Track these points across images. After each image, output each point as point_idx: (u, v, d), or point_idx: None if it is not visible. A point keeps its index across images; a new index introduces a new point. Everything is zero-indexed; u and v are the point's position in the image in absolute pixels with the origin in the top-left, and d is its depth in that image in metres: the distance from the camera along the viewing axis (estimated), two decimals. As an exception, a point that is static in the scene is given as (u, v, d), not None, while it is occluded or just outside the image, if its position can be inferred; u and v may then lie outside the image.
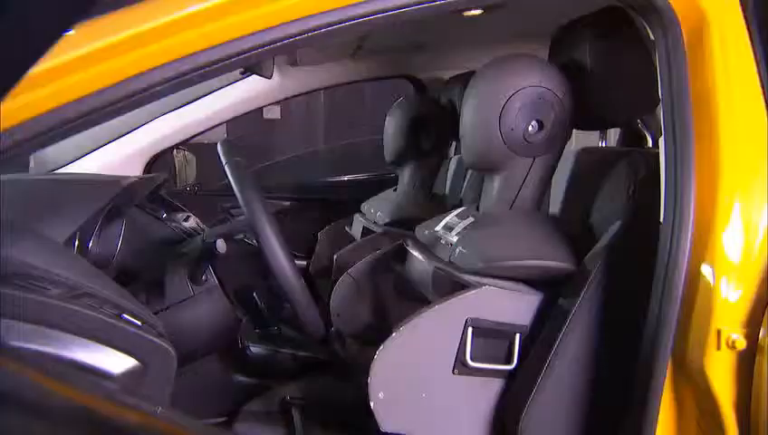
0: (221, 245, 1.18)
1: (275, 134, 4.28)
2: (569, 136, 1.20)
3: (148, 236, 1.36)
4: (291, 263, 1.15)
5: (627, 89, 1.13)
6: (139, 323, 0.84)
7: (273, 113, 4.04)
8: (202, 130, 1.95)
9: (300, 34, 0.83)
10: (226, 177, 1.18)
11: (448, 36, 1.96)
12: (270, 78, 1.30)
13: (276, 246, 1.12)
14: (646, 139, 1.57)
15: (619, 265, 1.01)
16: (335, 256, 1.73)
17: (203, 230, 1.49)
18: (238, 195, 1.13)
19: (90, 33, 0.78)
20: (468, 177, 1.77)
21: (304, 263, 2.09)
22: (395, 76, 2.30)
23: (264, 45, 0.82)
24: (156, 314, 1.09)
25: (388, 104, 2.00)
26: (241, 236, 1.29)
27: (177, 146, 1.93)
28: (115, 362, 0.80)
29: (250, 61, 0.83)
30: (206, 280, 1.23)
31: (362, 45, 1.90)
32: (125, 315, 0.84)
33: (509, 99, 1.14)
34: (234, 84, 1.94)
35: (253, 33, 0.81)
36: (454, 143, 2.13)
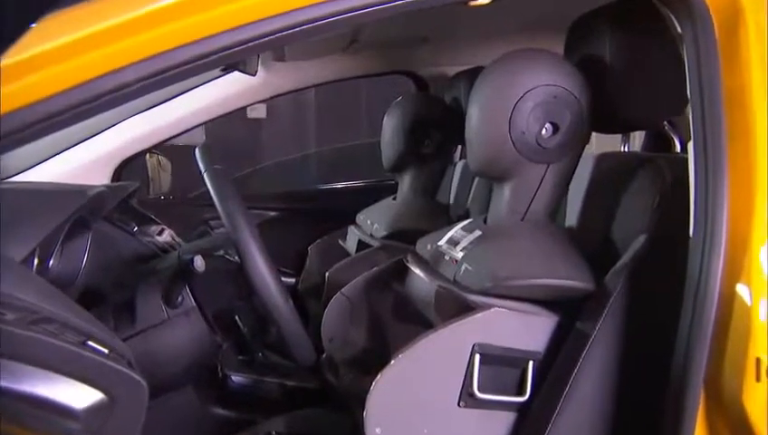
0: (199, 262, 1.17)
1: (261, 136, 4.28)
2: (587, 140, 1.20)
3: (116, 252, 1.36)
4: (277, 281, 1.15)
5: (651, 87, 1.13)
6: (106, 351, 0.84)
7: (259, 112, 4.06)
8: (178, 132, 1.95)
9: (287, 29, 0.83)
10: (205, 186, 1.18)
11: (453, 28, 1.97)
12: (254, 75, 1.31)
13: (261, 263, 1.12)
14: (673, 143, 1.57)
15: (644, 285, 1.01)
16: (327, 274, 1.72)
17: (179, 245, 1.49)
18: (218, 206, 1.13)
19: (54, 29, 0.78)
20: (475, 185, 1.77)
21: (292, 281, 2.09)
22: (393, 72, 2.31)
23: (247, 41, 0.82)
24: (125, 340, 1.09)
25: (387, 103, 2.00)
26: (221, 251, 1.29)
27: (149, 150, 1.93)
28: (79, 396, 0.79)
29: (232, 58, 0.84)
30: (182, 301, 1.23)
31: (357, 38, 1.91)
32: (90, 343, 0.84)
33: (520, 99, 1.14)
34: (213, 81, 1.95)
35: (235, 28, 0.81)
36: (459, 147, 2.14)
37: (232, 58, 0.84)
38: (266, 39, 0.83)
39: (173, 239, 1.54)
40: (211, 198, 1.17)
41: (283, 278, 2.10)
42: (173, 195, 2.14)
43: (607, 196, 1.17)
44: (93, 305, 1.18)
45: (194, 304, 1.24)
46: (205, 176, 1.17)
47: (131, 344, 1.06)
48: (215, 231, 1.99)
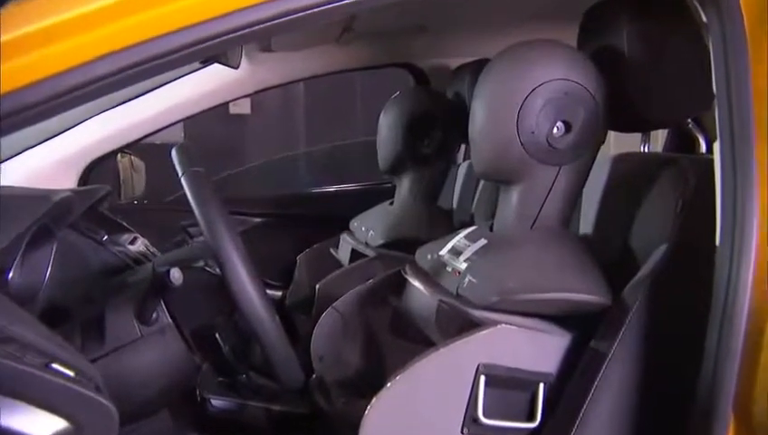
0: (176, 274, 1.17)
1: (245, 133, 4.29)
2: (603, 139, 1.21)
3: (83, 263, 1.36)
4: (262, 295, 1.14)
5: (673, 82, 1.14)
6: (72, 374, 0.83)
7: (242, 108, 4.07)
8: (153, 129, 1.95)
9: (275, 18, 0.84)
10: (183, 190, 1.17)
11: (455, 16, 1.97)
12: (237, 68, 1.31)
13: (244, 275, 1.12)
14: (698, 142, 1.57)
15: (666, 299, 1.01)
16: (317, 286, 1.73)
17: (154, 256, 1.48)
18: (197, 213, 1.13)
19: (15, 18, 0.78)
20: (480, 188, 1.77)
21: (279, 294, 2.09)
22: (391, 65, 2.31)
23: (231, 32, 0.82)
24: (94, 361, 1.08)
25: (383, 99, 2.00)
26: (201, 263, 1.28)
27: (121, 150, 1.93)
28: (41, 424, 0.79)
29: (214, 50, 0.84)
30: (156, 318, 1.22)
31: (351, 27, 1.91)
32: (54, 365, 0.83)
33: (529, 95, 1.14)
34: (192, 74, 1.95)
35: (218, 18, 0.81)
36: (463, 146, 2.14)
37: (213, 50, 0.84)
38: (252, 29, 0.83)
39: (147, 249, 1.53)
40: (189, 203, 1.16)
41: (268, 291, 2.10)
42: (147, 199, 2.13)
43: (625, 201, 1.17)
44: (58, 323, 1.17)
45: (170, 320, 1.24)
46: (182, 179, 1.17)
47: (100, 366, 1.05)
48: (193, 240, 1.99)
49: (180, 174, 1.18)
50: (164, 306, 1.24)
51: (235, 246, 1.12)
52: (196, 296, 1.34)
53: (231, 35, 0.83)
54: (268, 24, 0.84)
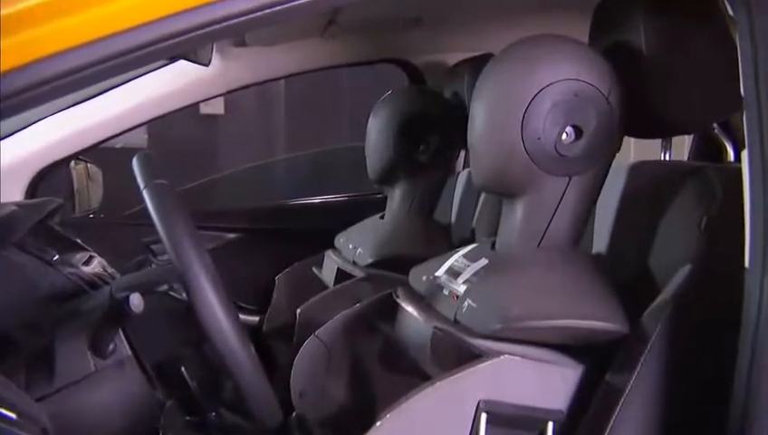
0: (136, 300, 1.17)
1: (217, 137, 4.29)
2: (618, 147, 1.21)
3: (30, 286, 1.35)
4: (235, 322, 1.14)
5: (696, 83, 1.15)
6: (14, 416, 0.83)
7: (214, 107, 4.06)
8: (112, 133, 1.95)
9: (249, 13, 0.84)
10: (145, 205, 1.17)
11: (454, 7, 1.98)
12: (207, 65, 1.31)
13: (214, 300, 1.12)
14: (725, 150, 1.58)
15: (690, 327, 1.01)
16: (298, 311, 1.73)
17: (111, 279, 1.48)
18: (161, 231, 1.13)
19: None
20: (482, 200, 1.77)
21: (255, 320, 2.09)
22: (381, 61, 2.32)
23: (199, 27, 0.82)
24: (40, 400, 1.08)
25: (374, 98, 2.01)
26: (165, 287, 1.28)
27: (76, 156, 1.92)
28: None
29: (181, 48, 0.84)
30: (113, 350, 1.22)
31: (336, 19, 1.92)
32: (-6, 405, 0.83)
33: (535, 96, 1.15)
34: (157, 71, 1.95)
35: (185, 11, 0.81)
36: (462, 153, 2.14)
37: (181, 48, 0.84)
38: (224, 24, 0.83)
39: (104, 270, 1.53)
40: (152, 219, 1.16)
41: (243, 317, 2.10)
42: (105, 213, 2.13)
43: (643, 215, 1.17)
44: (0, 355, 1.17)
45: (129, 352, 1.23)
46: (144, 193, 1.17)
47: (48, 406, 1.05)
48: (158, 258, 1.98)
49: (142, 187, 1.17)
50: (122, 336, 1.23)
51: (204, 267, 1.12)
52: (160, 325, 1.34)
53: (200, 32, 0.83)
54: (243, 18, 0.84)
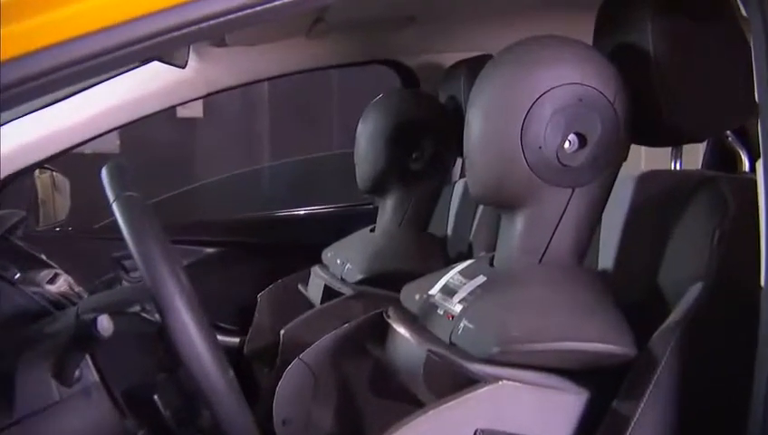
0: (105, 323, 1.16)
1: (195, 142, 4.29)
2: (625, 156, 1.22)
3: None
4: (212, 346, 1.14)
5: (707, 87, 1.15)
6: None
7: (193, 110, 4.07)
8: (80, 140, 1.94)
9: (232, 12, 0.84)
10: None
11: (449, 4, 1.99)
12: (183, 67, 1.32)
13: (190, 322, 1.11)
14: (740, 159, 1.59)
15: (702, 349, 1.02)
16: (282, 332, 1.72)
17: (79, 298, 1.47)
18: (132, 248, 1.12)
19: None
20: (480, 212, 1.78)
21: (236, 341, 2.08)
22: (372, 62, 2.33)
23: (175, 29, 0.82)
24: (0, 432, 1.07)
25: (365, 102, 2.01)
26: (137, 308, 1.27)
27: (40, 164, 1.92)
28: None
29: (156, 50, 0.84)
30: (80, 377, 1.21)
31: (323, 17, 1.93)
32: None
33: (536, 102, 1.15)
34: (130, 72, 1.94)
35: (160, 12, 0.81)
36: (459, 160, 2.15)
37: (154, 51, 0.84)
38: (203, 25, 0.84)
39: (70, 289, 1.52)
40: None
41: (222, 339, 2.09)
42: (72, 225, 2.12)
43: (652, 229, 1.18)
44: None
45: (97, 379, 1.23)
46: (114, 206, 1.16)
47: (9, 437, 1.04)
48: (130, 275, 1.98)
49: (111, 200, 1.17)
50: (90, 362, 1.22)
51: (179, 285, 1.11)
52: (130, 349, 1.33)
53: (175, 34, 0.83)
54: (224, 18, 0.84)
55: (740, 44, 1.05)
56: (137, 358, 1.38)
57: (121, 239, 1.17)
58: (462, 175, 2.16)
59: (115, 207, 1.15)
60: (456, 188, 2.02)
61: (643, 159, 1.50)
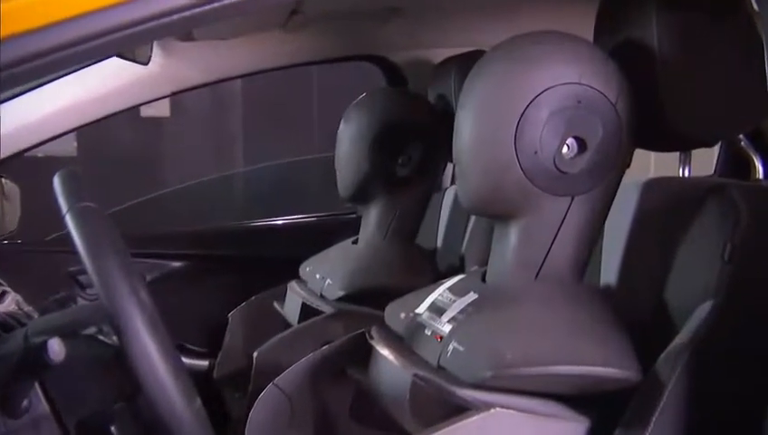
0: (56, 347, 1.15)
1: (161, 144, 4.28)
2: (627, 162, 1.22)
3: None
4: (178, 370, 1.13)
5: (717, 87, 1.16)
6: None
7: (158, 109, 4.06)
8: (33, 143, 1.94)
9: (195, 6, 0.84)
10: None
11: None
12: (146, 64, 1.32)
13: (152, 344, 1.11)
14: (754, 165, 1.60)
15: (712, 372, 1.02)
16: (255, 354, 1.72)
17: (28, 319, 1.47)
18: (87, 263, 1.12)
19: None
20: (473, 223, 1.78)
21: (205, 364, 2.07)
22: (355, 58, 2.34)
23: (137, 24, 0.82)
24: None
25: (348, 102, 2.02)
26: (92, 329, 1.27)
27: (-14, 170, 1.91)
28: None
29: (115, 48, 0.84)
30: (28, 407, 1.20)
31: (301, 9, 1.93)
32: None
33: (531, 103, 1.16)
34: (88, 68, 1.94)
35: (119, 5, 0.81)
36: (450, 166, 2.16)
37: (113, 47, 0.84)
38: (169, 19, 0.84)
39: (19, 309, 1.51)
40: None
41: (189, 362, 2.08)
42: (22, 237, 2.11)
43: (658, 242, 1.19)
44: None
45: (47, 409, 1.22)
46: (67, 218, 1.16)
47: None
48: (87, 292, 1.97)
49: (64, 211, 1.16)
50: (39, 390, 1.22)
51: (139, 305, 1.11)
52: (85, 375, 1.32)
53: (137, 29, 0.83)
54: (187, 13, 0.85)
55: (752, 41, 1.06)
56: (92, 385, 1.37)
57: (76, 253, 1.17)
58: (453, 182, 2.16)
59: (68, 219, 1.15)
60: (446, 195, 2.03)
61: (653, 165, 1.50)
